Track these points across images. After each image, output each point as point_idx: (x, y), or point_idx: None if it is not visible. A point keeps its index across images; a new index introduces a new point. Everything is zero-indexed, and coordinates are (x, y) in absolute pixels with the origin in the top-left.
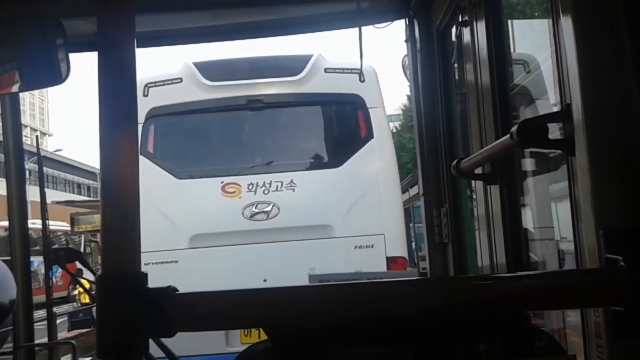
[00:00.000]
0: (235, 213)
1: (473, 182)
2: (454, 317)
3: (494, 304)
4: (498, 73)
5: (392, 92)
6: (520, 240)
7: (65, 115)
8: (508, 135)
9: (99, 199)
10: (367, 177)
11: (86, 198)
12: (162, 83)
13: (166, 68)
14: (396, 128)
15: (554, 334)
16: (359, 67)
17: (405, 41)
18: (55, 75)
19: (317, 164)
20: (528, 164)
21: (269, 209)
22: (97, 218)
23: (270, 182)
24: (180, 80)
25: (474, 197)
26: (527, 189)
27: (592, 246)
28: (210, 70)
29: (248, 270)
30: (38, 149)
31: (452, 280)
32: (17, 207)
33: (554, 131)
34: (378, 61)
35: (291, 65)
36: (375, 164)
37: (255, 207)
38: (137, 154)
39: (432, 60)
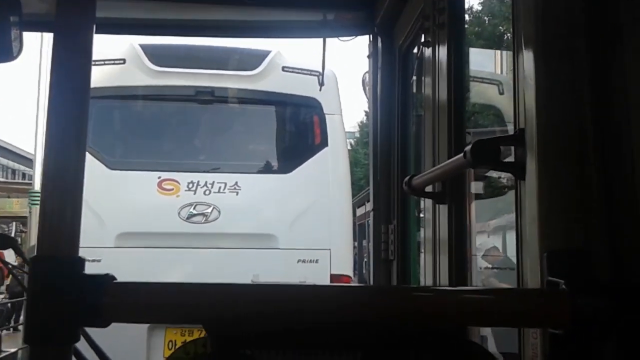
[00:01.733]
0: (171, 213)
1: (422, 200)
2: (392, 327)
3: (433, 316)
4: (456, 94)
5: (349, 108)
6: (464, 260)
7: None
8: (461, 155)
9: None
10: (318, 186)
11: None
12: (102, 62)
13: (109, 47)
14: (351, 145)
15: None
16: (318, 70)
17: (368, 57)
18: (6, 51)
19: (265, 167)
20: (478, 185)
21: (208, 211)
22: (9, 203)
23: (213, 182)
24: (123, 61)
25: (423, 215)
26: (476, 210)
27: (535, 268)
28: (158, 54)
29: (180, 277)
30: None
31: (393, 290)
32: None
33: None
34: (338, 75)
35: (247, 60)
36: (327, 174)
37: (194, 208)
38: (85, 140)
39: (393, 78)
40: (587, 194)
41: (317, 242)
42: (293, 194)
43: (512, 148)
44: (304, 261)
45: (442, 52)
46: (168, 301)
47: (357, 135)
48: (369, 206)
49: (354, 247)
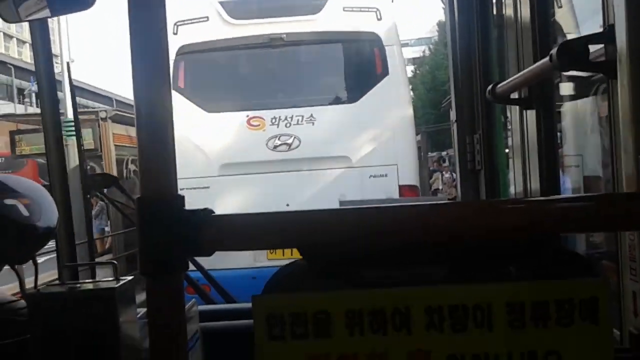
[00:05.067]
0: (260, 144)
1: (508, 108)
2: (485, 240)
3: (528, 227)
4: None
5: (424, 13)
6: (555, 166)
7: (86, 41)
8: (547, 58)
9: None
10: (382, 111)
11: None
12: (190, 21)
13: (193, 8)
14: (429, 49)
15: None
16: (376, 6)
17: None
18: (82, 1)
19: (335, 99)
20: (566, 88)
21: (290, 141)
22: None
23: (292, 116)
24: (207, 18)
25: (509, 123)
26: (565, 114)
27: (630, 171)
28: (235, 9)
29: (272, 197)
30: (70, 78)
31: (485, 204)
32: (53, 135)
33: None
34: None
35: (311, 4)
36: (390, 100)
37: (278, 139)
38: (169, 74)
39: None
40: None
41: (385, 159)
42: (361, 120)
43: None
44: (374, 176)
45: None
46: (263, 229)
47: (436, 38)
48: (418, 137)
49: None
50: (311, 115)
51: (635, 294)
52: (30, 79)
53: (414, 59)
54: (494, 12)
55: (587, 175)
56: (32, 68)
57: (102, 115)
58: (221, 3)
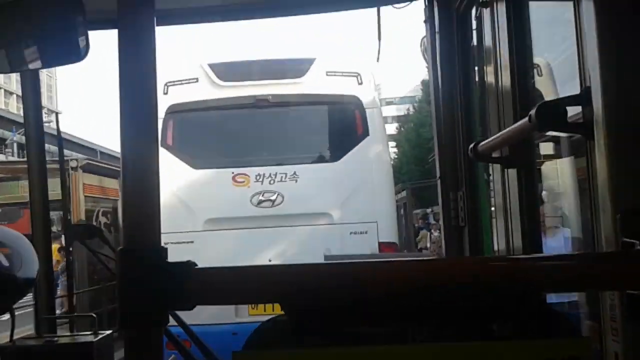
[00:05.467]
0: (245, 200)
1: (490, 166)
2: (468, 298)
3: (511, 285)
4: (518, 55)
5: (407, 73)
6: (537, 224)
7: (74, 92)
8: (526, 118)
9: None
10: (363, 170)
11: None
12: (180, 82)
13: (183, 69)
14: (414, 107)
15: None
16: (357, 71)
17: (425, 22)
18: (75, 52)
19: (317, 158)
20: (546, 147)
21: (274, 197)
22: (15, 186)
23: (276, 173)
24: (197, 80)
25: (491, 180)
26: (545, 172)
27: (609, 230)
28: (223, 71)
29: (255, 251)
30: (58, 128)
31: (469, 260)
32: (38, 185)
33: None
34: (395, 41)
35: (295, 68)
36: (370, 159)
37: (262, 196)
38: (156, 127)
39: (451, 42)
40: None
41: (365, 216)
42: (342, 178)
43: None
44: (355, 233)
45: (501, 11)
46: (246, 283)
47: (420, 97)
48: (402, 194)
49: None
50: (294, 173)
51: (617, 355)
52: (12, 129)
53: (398, 116)
54: (476, 73)
55: (568, 236)
56: (15, 118)
57: (73, 164)
58: (210, 65)
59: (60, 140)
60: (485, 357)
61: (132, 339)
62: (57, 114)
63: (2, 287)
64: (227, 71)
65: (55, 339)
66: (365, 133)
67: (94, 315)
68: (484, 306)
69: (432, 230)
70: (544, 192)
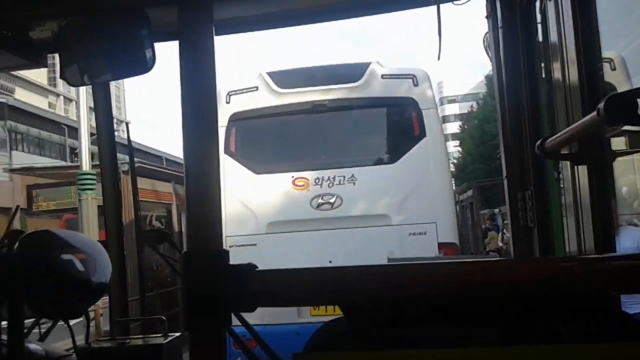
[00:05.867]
0: (304, 203)
1: (560, 163)
2: (536, 300)
3: (582, 286)
4: (585, 47)
5: (471, 69)
6: (610, 223)
7: (141, 102)
8: (595, 112)
9: (69, 163)
10: (420, 171)
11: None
12: (241, 91)
13: (244, 79)
14: (478, 104)
15: None
16: (412, 72)
17: (487, 17)
18: (142, 64)
19: (375, 160)
20: (618, 142)
21: (333, 200)
22: (65, 192)
23: (334, 176)
24: (257, 88)
25: (561, 178)
26: (618, 168)
27: None
28: (281, 79)
29: (315, 253)
30: (129, 137)
31: (538, 261)
32: (111, 192)
33: None
34: (457, 38)
35: (351, 73)
36: (428, 160)
37: (321, 199)
38: (217, 134)
39: (515, 37)
40: None
41: (424, 217)
42: (400, 179)
43: None
44: (414, 234)
45: (566, 3)
46: (305, 285)
47: (484, 93)
48: (468, 193)
49: (458, 224)
50: (352, 176)
51: None
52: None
53: (461, 114)
54: (542, 68)
55: None
56: (73, 124)
57: (124, 168)
58: (269, 74)
59: (131, 148)
60: None
61: (197, 339)
62: (127, 123)
63: (78, 291)
64: (285, 79)
65: (128, 341)
66: (422, 134)
67: (164, 318)
68: (553, 308)
69: (505, 231)
70: (624, 189)
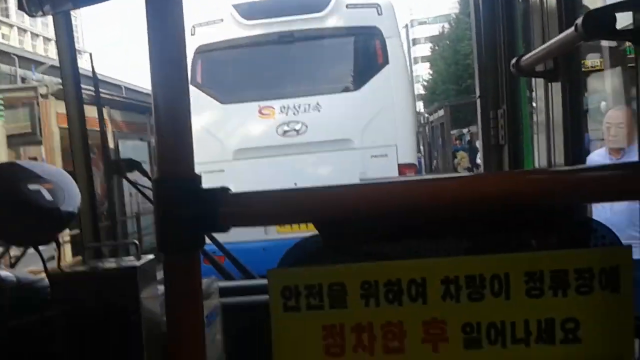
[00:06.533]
0: (271, 131)
1: (533, 81)
2: (505, 213)
3: (551, 196)
4: None
5: None
6: (581, 139)
7: (98, 34)
8: (572, 28)
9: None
10: (383, 97)
11: None
12: (206, 23)
13: (209, 11)
14: (450, 24)
15: None
16: (376, 2)
17: None
18: None
19: (339, 88)
20: (593, 59)
21: (298, 127)
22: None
23: (300, 104)
24: (222, 20)
25: (534, 97)
26: (591, 85)
27: None
28: (246, 10)
29: (281, 177)
30: (92, 67)
31: (507, 175)
32: (76, 122)
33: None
34: None
35: (316, 3)
36: (391, 86)
37: (287, 126)
38: (185, 57)
39: None
40: None
41: (385, 140)
42: (364, 106)
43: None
44: (375, 156)
45: None
46: (279, 205)
47: (455, 13)
48: (441, 112)
49: (428, 144)
50: (317, 103)
51: None
52: (32, 68)
53: (432, 36)
54: None
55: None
56: (34, 57)
57: (42, 91)
58: (234, 6)
59: (96, 79)
60: (521, 268)
61: (171, 262)
62: (90, 54)
63: (47, 220)
64: (250, 10)
65: (101, 264)
66: (386, 61)
67: (136, 242)
68: (521, 221)
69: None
70: (602, 103)
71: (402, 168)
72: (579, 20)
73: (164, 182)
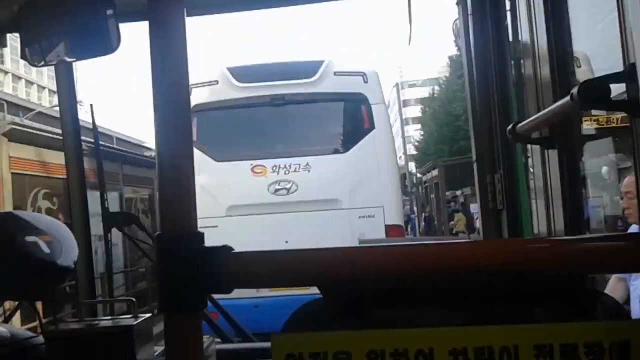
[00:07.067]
0: (262, 189)
1: (529, 147)
2: (508, 282)
3: (551, 267)
4: (555, 32)
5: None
6: (579, 206)
7: (97, 84)
8: (568, 97)
9: None
10: (369, 160)
11: None
12: (202, 85)
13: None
14: (439, 86)
15: None
16: (362, 71)
17: (457, 4)
18: (106, 44)
19: (328, 150)
20: (587, 128)
21: (289, 186)
22: None
23: (290, 164)
24: (217, 82)
25: (530, 162)
26: (587, 153)
27: None
28: (240, 74)
29: (272, 234)
30: (93, 119)
31: (507, 243)
32: (75, 174)
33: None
34: (424, 24)
35: (307, 69)
36: (376, 150)
37: (278, 184)
38: (190, 117)
39: (484, 22)
40: None
41: (372, 201)
42: (351, 168)
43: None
44: (363, 217)
45: None
46: (283, 267)
47: (447, 75)
48: (435, 172)
49: (422, 205)
50: (307, 164)
51: None
52: (19, 114)
53: (422, 99)
54: (511, 52)
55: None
56: (22, 104)
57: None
58: (229, 69)
59: (96, 130)
60: (530, 340)
61: (172, 322)
62: (91, 105)
63: (44, 274)
64: (244, 74)
65: (96, 322)
66: (372, 127)
67: (133, 299)
68: (526, 290)
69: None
70: (604, 168)
71: (389, 229)
72: (575, 90)
73: (165, 238)
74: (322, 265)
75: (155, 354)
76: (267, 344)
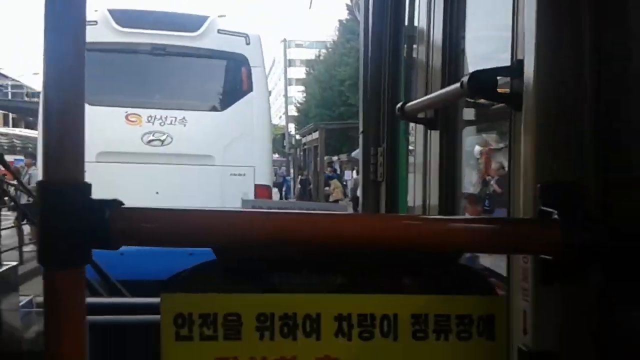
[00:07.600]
0: (136, 138)
1: (413, 125)
2: (382, 253)
3: (425, 245)
4: (452, 22)
5: (322, 23)
6: (454, 186)
7: None
8: (458, 84)
9: None
10: (245, 121)
11: None
12: None
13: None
14: (326, 47)
15: None
16: (245, 33)
17: None
18: None
19: (205, 106)
20: (469, 114)
21: (163, 137)
22: None
23: (167, 116)
24: (96, 22)
25: (412, 140)
26: (466, 137)
27: (527, 199)
28: (122, 17)
29: (143, 184)
30: None
31: (384, 218)
32: None
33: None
34: None
35: (191, 23)
36: (252, 112)
37: (153, 135)
38: (84, 59)
39: (385, 1)
40: (580, 128)
41: (244, 161)
42: (226, 127)
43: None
44: (234, 175)
45: None
46: (175, 226)
47: (334, 39)
48: (315, 135)
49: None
50: (184, 118)
51: (526, 312)
52: None
53: (307, 60)
54: (406, 36)
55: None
56: None
57: None
58: (110, 11)
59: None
60: (409, 309)
61: (51, 275)
62: None
63: None
64: (125, 18)
65: None
66: (250, 89)
67: None
68: (399, 262)
69: (346, 182)
70: (476, 148)
71: (258, 188)
72: (465, 79)
73: (49, 187)
74: (216, 227)
75: (21, 304)
76: (140, 300)
